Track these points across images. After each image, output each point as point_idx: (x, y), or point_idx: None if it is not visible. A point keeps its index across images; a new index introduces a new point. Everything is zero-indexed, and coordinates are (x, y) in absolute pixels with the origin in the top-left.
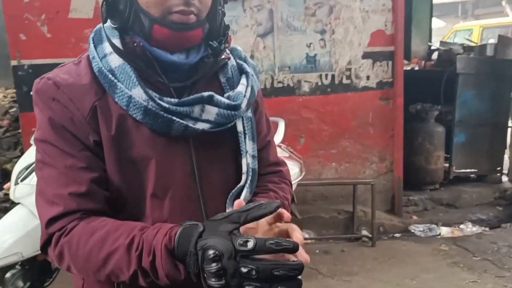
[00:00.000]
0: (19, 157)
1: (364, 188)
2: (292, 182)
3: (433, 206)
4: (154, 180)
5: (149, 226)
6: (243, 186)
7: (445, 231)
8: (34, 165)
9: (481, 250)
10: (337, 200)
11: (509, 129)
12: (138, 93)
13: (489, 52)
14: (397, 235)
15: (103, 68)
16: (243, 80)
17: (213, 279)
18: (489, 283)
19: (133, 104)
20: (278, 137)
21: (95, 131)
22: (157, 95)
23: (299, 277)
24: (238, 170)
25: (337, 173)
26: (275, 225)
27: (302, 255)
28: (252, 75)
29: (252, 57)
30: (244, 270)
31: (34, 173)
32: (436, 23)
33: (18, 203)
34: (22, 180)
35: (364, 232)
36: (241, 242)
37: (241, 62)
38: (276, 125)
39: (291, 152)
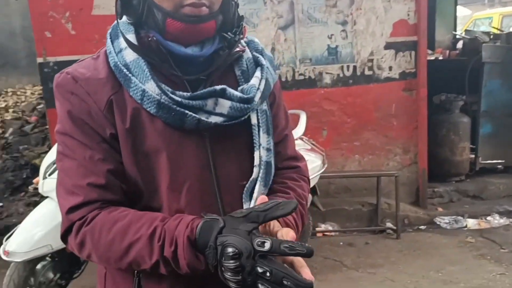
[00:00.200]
0: (47, 152)
1: (388, 180)
2: (315, 175)
3: (459, 198)
4: (169, 173)
5: (169, 217)
6: (256, 179)
7: (471, 223)
8: None
9: (509, 242)
10: (360, 193)
11: None
12: (151, 87)
13: None
14: (422, 227)
15: (118, 63)
16: (258, 73)
17: (229, 273)
18: None
19: (146, 98)
20: (299, 130)
21: (111, 124)
22: (170, 89)
23: None
24: (254, 163)
25: (360, 165)
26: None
27: (308, 274)
28: (267, 67)
29: (273, 49)
30: (260, 270)
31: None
32: (462, 11)
33: (47, 197)
34: (50, 175)
35: (389, 225)
36: (259, 243)
37: (257, 54)
38: (297, 117)
39: (313, 144)
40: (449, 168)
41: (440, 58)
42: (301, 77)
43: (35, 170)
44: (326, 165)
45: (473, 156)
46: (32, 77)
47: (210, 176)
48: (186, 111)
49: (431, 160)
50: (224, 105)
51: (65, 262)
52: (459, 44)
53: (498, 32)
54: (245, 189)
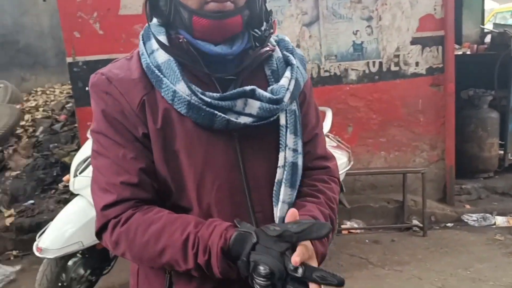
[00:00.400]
0: (76, 150)
1: (414, 177)
2: (341, 172)
3: (487, 195)
4: (199, 172)
5: (203, 222)
6: (281, 181)
7: (500, 220)
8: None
9: None
10: (386, 189)
11: None
12: (182, 88)
13: None
14: (449, 224)
15: (150, 64)
16: (287, 73)
17: (259, 286)
18: None
19: (177, 98)
20: (325, 127)
21: (143, 124)
22: (200, 90)
23: None
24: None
25: (386, 162)
26: None
27: None
28: (297, 67)
29: (298, 46)
30: None
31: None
32: (489, 4)
33: (78, 195)
34: (80, 173)
35: (415, 222)
36: (292, 268)
37: (287, 53)
38: (323, 114)
39: (338, 141)
40: (477, 165)
41: (468, 52)
42: (327, 74)
43: (64, 168)
44: (352, 162)
45: (502, 152)
46: (61, 76)
47: (240, 175)
48: (216, 112)
49: (459, 156)
50: (254, 106)
51: (95, 259)
52: (487, 38)
53: None
54: (274, 192)
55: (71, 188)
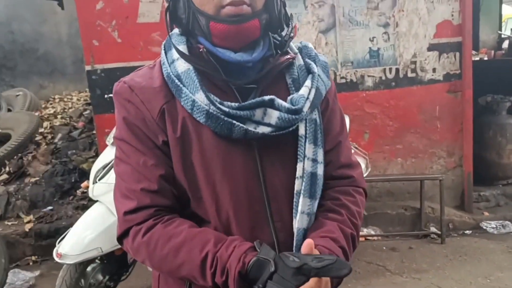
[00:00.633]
0: (93, 157)
1: (431, 184)
2: None
3: (506, 202)
4: (218, 179)
5: (223, 240)
6: (299, 192)
7: None
8: (110, 164)
9: None
10: (403, 196)
11: None
12: (201, 98)
13: None
14: (467, 232)
15: (171, 73)
16: (308, 82)
17: None
18: None
19: (196, 107)
20: None
21: (163, 132)
22: (218, 99)
23: None
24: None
25: (403, 168)
26: None
27: None
28: (318, 75)
29: None
30: None
31: (110, 172)
32: (507, 10)
33: (97, 201)
34: (99, 179)
35: (433, 229)
36: None
37: (309, 61)
38: None
39: (356, 148)
40: (495, 171)
41: (485, 58)
42: (343, 81)
43: (82, 175)
44: (369, 169)
45: None
46: (78, 83)
47: (259, 185)
48: (234, 121)
49: (477, 163)
50: (272, 116)
51: (113, 265)
52: (505, 44)
53: None
54: (294, 203)
55: (90, 195)
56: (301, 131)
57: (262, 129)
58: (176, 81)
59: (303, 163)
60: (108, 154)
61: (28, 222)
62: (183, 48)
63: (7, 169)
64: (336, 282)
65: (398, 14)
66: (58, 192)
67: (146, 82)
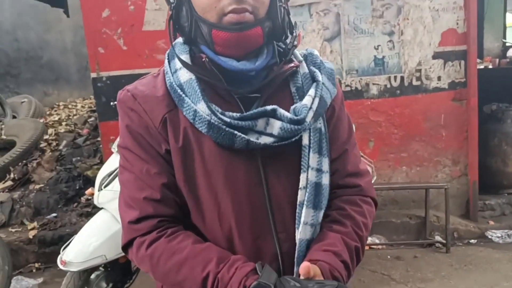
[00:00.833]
0: (98, 164)
1: (436, 192)
2: None
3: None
4: (220, 190)
5: (225, 260)
6: (302, 203)
7: None
8: (115, 172)
9: None
10: (408, 205)
11: None
12: (202, 108)
13: None
14: (472, 241)
15: (173, 83)
16: (311, 91)
17: None
18: None
19: (198, 118)
20: None
21: (165, 141)
22: (219, 110)
23: None
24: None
25: (408, 177)
26: None
27: None
28: (323, 83)
29: None
30: None
31: (115, 180)
32: (511, 18)
33: (102, 208)
34: (105, 186)
35: (438, 238)
36: None
37: (314, 69)
38: None
39: (362, 156)
40: (501, 180)
41: (490, 66)
42: (348, 88)
43: (87, 182)
44: (375, 178)
45: None
46: (82, 90)
47: (262, 195)
48: (235, 132)
49: (482, 171)
50: (275, 126)
51: (117, 272)
52: (509, 52)
53: None
54: (297, 214)
55: (95, 202)
56: (305, 141)
57: (264, 140)
58: (179, 90)
59: (307, 173)
60: (113, 162)
61: (32, 229)
62: (185, 57)
63: (12, 175)
64: None
65: (403, 23)
66: (62, 199)
67: (149, 90)
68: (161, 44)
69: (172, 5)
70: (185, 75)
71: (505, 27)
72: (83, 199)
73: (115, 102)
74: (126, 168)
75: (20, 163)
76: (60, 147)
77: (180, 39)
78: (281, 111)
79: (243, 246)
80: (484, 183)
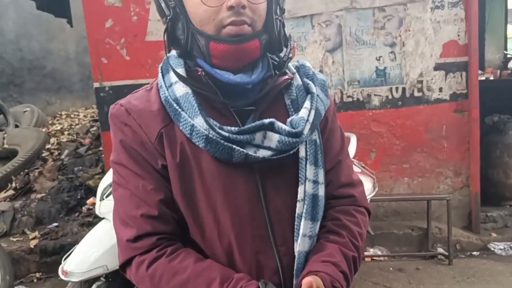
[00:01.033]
0: (100, 173)
1: (438, 203)
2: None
3: None
4: (219, 205)
5: (228, 279)
6: (301, 215)
7: None
8: None
9: None
10: (410, 216)
11: None
12: (200, 122)
13: None
14: (475, 253)
15: (169, 97)
16: (307, 103)
17: None
18: None
19: (195, 132)
20: (350, 153)
21: (162, 156)
22: (217, 124)
23: None
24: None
25: (409, 188)
26: None
27: None
28: (317, 95)
29: (321, 72)
30: None
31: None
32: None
33: (103, 218)
34: (106, 196)
35: (440, 250)
36: None
37: (307, 81)
38: (348, 140)
39: (363, 167)
40: (503, 192)
41: (491, 78)
42: (349, 99)
43: (88, 191)
44: (376, 189)
45: None
46: (85, 100)
47: (261, 208)
48: (234, 146)
49: (484, 183)
50: (273, 139)
51: (119, 283)
52: (511, 64)
53: None
54: (295, 226)
55: (97, 212)
56: (302, 153)
57: (263, 153)
58: (175, 105)
59: (304, 186)
60: None
61: (33, 238)
62: (181, 71)
63: (14, 185)
64: None
65: (404, 34)
66: (64, 208)
67: (143, 105)
68: (163, 54)
69: (168, 17)
70: (181, 89)
71: (506, 39)
72: (84, 208)
73: None
74: (120, 184)
75: (22, 172)
76: (62, 157)
77: (173, 52)
78: (279, 124)
79: (244, 261)
80: (486, 195)
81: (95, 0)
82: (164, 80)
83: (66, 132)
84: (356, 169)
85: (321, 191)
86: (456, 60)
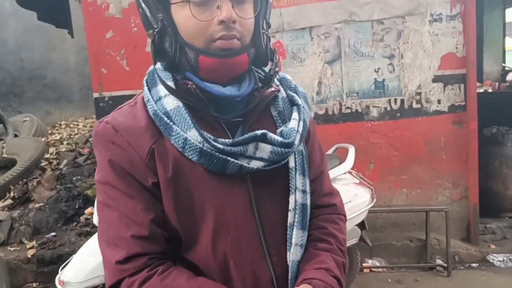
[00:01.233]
0: None
1: (437, 215)
2: (363, 209)
3: None
4: (214, 218)
5: None
6: (293, 224)
7: None
8: None
9: None
10: (408, 227)
11: None
12: (194, 135)
13: None
14: (474, 265)
15: (158, 111)
16: (295, 114)
17: None
18: None
19: (188, 146)
20: (348, 164)
21: (153, 173)
22: (212, 137)
23: None
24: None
25: (408, 199)
26: None
27: None
28: (303, 107)
29: (320, 83)
30: None
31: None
32: (510, 42)
33: None
34: None
35: (439, 261)
36: None
37: (291, 93)
38: (346, 151)
39: (361, 178)
40: (502, 203)
41: (490, 90)
42: (348, 111)
43: (86, 201)
44: (375, 200)
45: None
46: (84, 110)
47: (254, 219)
48: (229, 158)
49: (483, 194)
50: (265, 150)
51: None
52: (509, 76)
53: None
54: (288, 235)
55: (94, 222)
56: (291, 163)
57: (255, 164)
58: (165, 119)
59: (295, 195)
60: None
61: (31, 248)
62: (171, 84)
63: (12, 194)
64: None
65: (403, 46)
66: (62, 218)
67: (130, 121)
68: None
69: (156, 30)
70: (171, 103)
71: (504, 52)
72: (82, 218)
73: None
74: (108, 205)
75: (20, 182)
76: (61, 166)
77: (158, 65)
78: (271, 135)
79: (239, 273)
80: (484, 206)
81: (96, 11)
82: (151, 94)
83: (65, 142)
84: (354, 180)
85: (308, 200)
86: (454, 72)
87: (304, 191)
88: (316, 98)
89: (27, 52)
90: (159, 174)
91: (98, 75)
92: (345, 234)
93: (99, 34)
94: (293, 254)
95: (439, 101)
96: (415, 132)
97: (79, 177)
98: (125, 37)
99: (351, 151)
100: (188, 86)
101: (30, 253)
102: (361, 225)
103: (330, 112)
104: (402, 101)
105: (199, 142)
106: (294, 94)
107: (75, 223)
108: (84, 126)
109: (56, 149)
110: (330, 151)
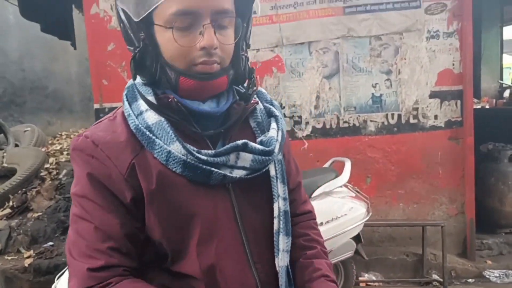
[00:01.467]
0: None
1: (433, 230)
2: (359, 223)
3: (509, 251)
4: (199, 228)
5: None
6: (278, 231)
7: None
8: None
9: None
10: (405, 242)
11: None
12: (177, 148)
13: None
14: (470, 280)
15: (140, 126)
16: (274, 124)
17: None
18: None
19: (172, 158)
20: (344, 177)
21: (132, 188)
22: (195, 149)
23: None
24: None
25: (404, 214)
26: None
27: None
28: (280, 118)
29: (317, 97)
30: None
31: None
32: (508, 60)
33: None
34: None
35: (435, 276)
36: None
37: (268, 105)
38: (342, 165)
39: (357, 192)
40: (498, 219)
41: (487, 106)
42: (346, 125)
43: None
44: (370, 213)
45: None
46: (85, 121)
47: (238, 228)
48: (212, 169)
49: (479, 210)
50: (246, 159)
51: None
52: (506, 93)
53: None
54: (274, 242)
55: None
56: (272, 172)
57: (238, 173)
58: (148, 133)
59: (278, 203)
60: None
61: (28, 257)
62: (151, 99)
63: (11, 203)
64: None
65: (400, 62)
66: (59, 228)
67: (110, 136)
68: None
69: (138, 48)
70: (153, 117)
71: (502, 69)
72: None
73: None
74: (83, 218)
75: (19, 191)
76: (60, 176)
77: (138, 80)
78: (252, 144)
79: (224, 281)
80: (481, 222)
81: (98, 24)
82: (131, 109)
83: (65, 152)
84: (350, 193)
85: (288, 207)
86: (451, 88)
87: (285, 199)
88: (314, 112)
89: (29, 62)
90: (142, 186)
91: (99, 87)
92: (323, 237)
93: (100, 46)
94: (281, 260)
95: (436, 117)
96: (412, 147)
97: None
98: (126, 49)
99: (347, 164)
100: (170, 100)
101: (27, 262)
102: (357, 239)
103: (327, 126)
104: (399, 116)
105: (182, 155)
106: (271, 106)
107: None
108: None
109: (56, 159)
110: (327, 165)
